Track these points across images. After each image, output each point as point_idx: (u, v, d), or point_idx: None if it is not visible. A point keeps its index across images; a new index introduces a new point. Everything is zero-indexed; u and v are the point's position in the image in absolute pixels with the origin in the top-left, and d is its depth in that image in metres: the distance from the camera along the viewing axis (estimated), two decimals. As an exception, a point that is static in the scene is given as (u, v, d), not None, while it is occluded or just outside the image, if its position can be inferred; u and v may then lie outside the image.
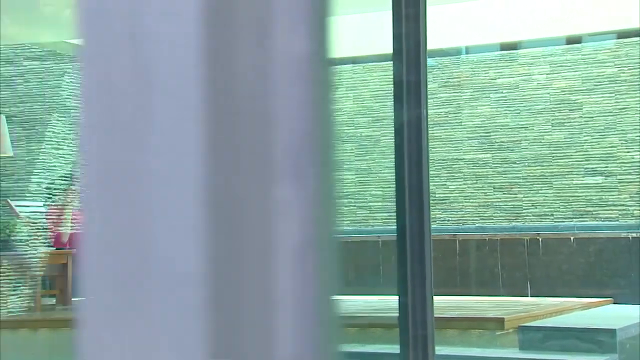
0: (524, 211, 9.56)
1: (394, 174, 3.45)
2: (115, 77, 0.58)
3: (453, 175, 9.93)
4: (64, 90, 10.11)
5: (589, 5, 9.20)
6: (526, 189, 9.61)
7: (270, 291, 0.57)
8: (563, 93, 9.51)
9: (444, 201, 9.81)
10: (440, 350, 4.40)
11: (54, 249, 8.54)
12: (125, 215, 0.58)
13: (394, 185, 3.46)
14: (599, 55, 9.40)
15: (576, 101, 9.45)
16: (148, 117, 0.57)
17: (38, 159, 9.81)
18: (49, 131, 9.96)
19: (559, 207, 9.42)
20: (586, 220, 9.16)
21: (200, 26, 0.55)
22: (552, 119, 9.54)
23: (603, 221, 9.08)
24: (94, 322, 0.59)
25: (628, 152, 9.21)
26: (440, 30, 9.02)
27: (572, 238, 8.56)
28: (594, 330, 5.77)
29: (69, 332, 7.39)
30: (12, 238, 8.17)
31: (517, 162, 9.66)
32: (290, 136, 0.57)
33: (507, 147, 9.70)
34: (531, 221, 9.47)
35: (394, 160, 3.45)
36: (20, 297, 8.06)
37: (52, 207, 8.88)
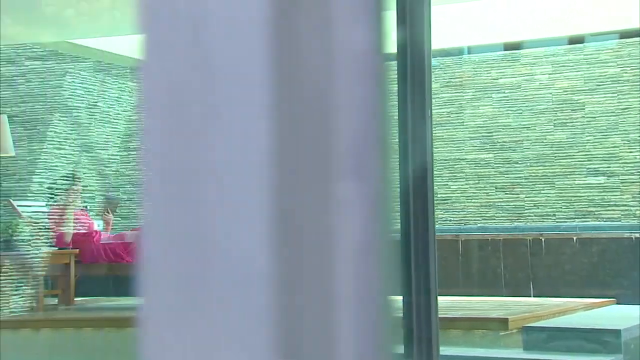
0: (526, 211, 9.56)
1: (398, 175, 3.44)
2: (178, 77, 0.57)
3: (455, 176, 9.92)
4: (65, 90, 10.11)
5: (592, 5, 9.19)
6: (528, 189, 9.60)
7: (332, 291, 0.56)
8: (565, 93, 9.50)
9: (446, 201, 9.81)
10: (444, 350, 4.39)
11: (56, 248, 8.54)
12: (189, 214, 0.57)
13: (399, 186, 3.45)
14: (602, 55, 9.39)
15: (578, 101, 9.44)
16: (212, 116, 0.56)
17: (40, 158, 9.81)
18: (50, 131, 9.95)
19: (561, 208, 9.41)
20: (588, 221, 9.15)
21: (265, 24, 0.55)
22: (555, 119, 9.53)
23: (605, 221, 9.07)
24: (155, 323, 0.58)
25: (630, 152, 9.20)
26: (443, 30, 9.02)
27: (575, 238, 8.55)
28: (599, 330, 5.76)
29: (71, 332, 7.39)
30: (15, 238, 8.16)
31: (520, 162, 9.65)
32: (353, 133, 0.56)
33: (510, 147, 9.69)
34: (533, 221, 9.46)
35: (397, 160, 3.44)
36: (22, 297, 8.05)
37: (54, 207, 8.87)
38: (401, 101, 3.50)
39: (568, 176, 9.42)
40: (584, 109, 9.42)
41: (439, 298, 3.58)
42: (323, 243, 0.54)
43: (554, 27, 9.39)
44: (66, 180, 9.30)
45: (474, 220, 9.72)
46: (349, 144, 0.54)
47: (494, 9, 9.39)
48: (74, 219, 8.84)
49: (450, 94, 9.96)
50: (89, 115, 10.31)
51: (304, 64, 0.54)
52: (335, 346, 0.54)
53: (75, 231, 8.75)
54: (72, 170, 9.73)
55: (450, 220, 9.77)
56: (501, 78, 9.78)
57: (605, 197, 9.23)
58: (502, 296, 8.34)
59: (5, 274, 7.97)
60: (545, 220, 9.44)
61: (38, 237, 8.41)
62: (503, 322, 6.19)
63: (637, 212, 9.04)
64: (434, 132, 3.82)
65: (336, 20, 0.55)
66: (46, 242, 8.48)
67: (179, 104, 0.55)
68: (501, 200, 9.68)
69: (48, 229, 8.59)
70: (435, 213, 3.80)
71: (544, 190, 9.52)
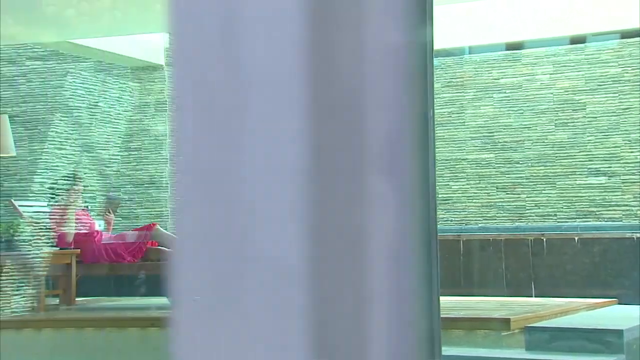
0: (527, 211, 9.55)
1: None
2: (209, 76, 0.56)
3: (456, 176, 9.91)
4: (66, 90, 10.10)
5: (593, 5, 9.18)
6: (529, 189, 9.59)
7: (366, 290, 0.55)
8: (566, 93, 9.49)
9: (447, 201, 9.80)
10: (446, 350, 4.38)
11: (58, 248, 8.53)
12: (223, 214, 0.56)
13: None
14: (603, 55, 9.38)
15: (579, 101, 9.43)
16: (245, 115, 0.55)
17: (41, 158, 9.80)
18: (51, 131, 9.94)
19: (562, 208, 9.40)
20: (590, 221, 9.14)
21: (298, 22, 0.54)
22: (556, 119, 9.53)
23: (606, 221, 9.06)
24: (187, 323, 0.57)
25: (632, 152, 9.19)
26: (444, 30, 9.01)
27: (576, 238, 8.54)
28: (601, 330, 5.76)
29: (72, 332, 7.38)
30: (16, 238, 8.16)
31: (520, 162, 9.64)
32: (386, 130, 0.55)
33: (510, 147, 9.68)
34: (534, 221, 9.45)
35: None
36: (23, 297, 8.04)
37: (55, 207, 8.86)
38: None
39: (569, 176, 9.41)
40: (585, 109, 9.41)
41: (441, 298, 3.57)
42: (357, 241, 0.53)
43: (555, 27, 9.38)
44: (67, 180, 9.29)
45: (475, 220, 9.71)
46: (382, 140, 0.54)
47: (495, 9, 9.38)
48: (75, 219, 8.83)
49: (451, 94, 9.95)
50: (90, 115, 10.30)
51: (336, 61, 0.54)
52: (368, 346, 0.53)
53: (76, 231, 8.74)
54: (73, 170, 9.72)
55: (451, 221, 9.76)
56: (502, 78, 9.77)
57: (607, 197, 9.22)
58: (504, 296, 8.33)
59: (6, 274, 7.96)
60: (546, 220, 9.43)
61: (39, 237, 8.40)
62: (505, 322, 6.19)
63: (639, 212, 9.04)
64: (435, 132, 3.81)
65: (368, 17, 0.54)
66: (47, 242, 8.47)
67: (210, 102, 0.54)
68: (502, 200, 9.67)
69: (49, 229, 8.58)
70: (437, 213, 3.79)
71: (545, 190, 9.51)
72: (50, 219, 8.68)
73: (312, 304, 0.54)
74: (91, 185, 10.06)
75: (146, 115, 10.67)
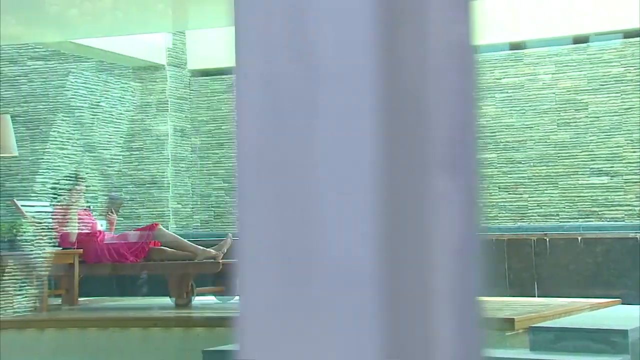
0: (529, 211, 9.55)
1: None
2: (276, 70, 0.55)
3: (458, 175, 9.91)
4: (68, 90, 10.09)
5: (595, 5, 9.18)
6: (531, 189, 9.59)
7: (432, 290, 0.54)
8: (569, 93, 9.49)
9: (449, 201, 9.80)
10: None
11: (60, 248, 8.52)
12: (289, 214, 0.55)
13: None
14: (605, 54, 9.38)
15: (582, 101, 9.43)
16: (313, 112, 0.54)
17: (42, 158, 9.79)
18: (53, 131, 9.93)
19: (564, 208, 9.40)
20: (592, 221, 9.14)
21: (369, 17, 0.53)
22: (558, 119, 9.52)
23: (609, 221, 9.06)
24: (254, 323, 0.56)
25: (634, 152, 9.19)
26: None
27: (579, 238, 8.54)
28: (606, 330, 5.75)
29: (75, 332, 7.37)
30: (18, 238, 8.15)
31: (523, 162, 9.64)
32: (450, 128, 0.54)
33: (513, 147, 9.68)
34: (536, 221, 9.45)
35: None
36: (26, 297, 8.04)
37: (58, 207, 8.86)
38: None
39: (571, 176, 9.41)
40: (587, 108, 9.41)
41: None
42: (423, 241, 0.53)
43: (558, 27, 9.38)
44: (69, 180, 9.28)
45: (478, 220, 9.71)
46: (446, 138, 0.53)
47: (497, 8, 9.38)
48: (78, 219, 8.82)
49: (453, 94, 9.95)
50: (92, 115, 10.29)
51: (402, 56, 0.53)
52: (436, 345, 0.53)
53: (78, 231, 8.73)
54: (75, 170, 9.72)
55: (453, 220, 9.75)
56: (504, 78, 9.76)
57: (609, 197, 9.22)
58: (507, 296, 8.33)
59: (8, 274, 7.96)
60: (548, 220, 9.42)
61: (41, 237, 8.39)
62: (509, 322, 6.18)
63: (641, 212, 9.04)
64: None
65: (433, 13, 0.54)
66: (50, 242, 8.46)
67: (277, 99, 0.53)
68: (504, 200, 9.67)
69: (51, 229, 8.58)
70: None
71: (547, 190, 9.51)
72: (52, 219, 8.68)
73: (384, 305, 0.53)
74: (93, 185, 10.06)
75: (148, 115, 10.66)
